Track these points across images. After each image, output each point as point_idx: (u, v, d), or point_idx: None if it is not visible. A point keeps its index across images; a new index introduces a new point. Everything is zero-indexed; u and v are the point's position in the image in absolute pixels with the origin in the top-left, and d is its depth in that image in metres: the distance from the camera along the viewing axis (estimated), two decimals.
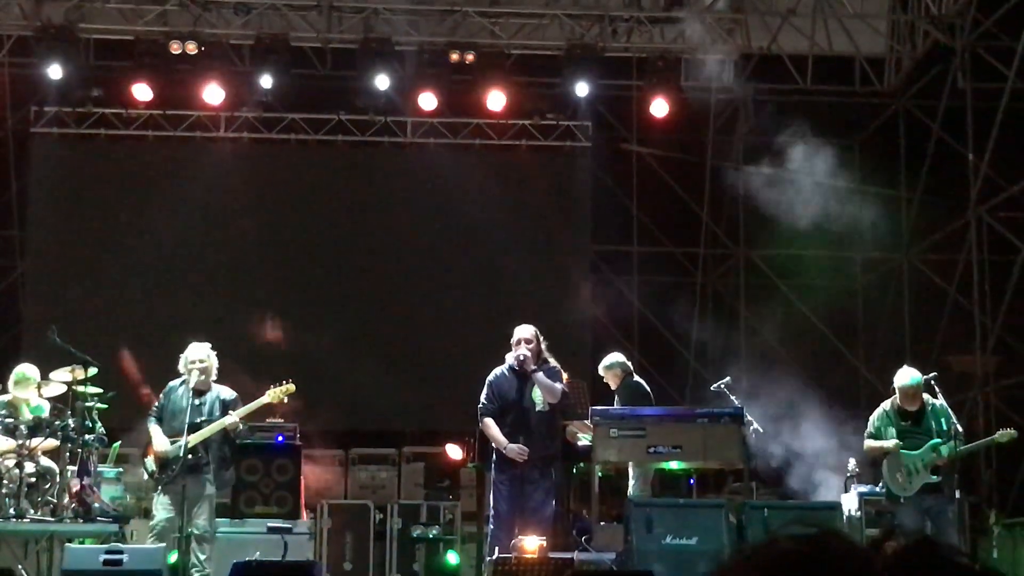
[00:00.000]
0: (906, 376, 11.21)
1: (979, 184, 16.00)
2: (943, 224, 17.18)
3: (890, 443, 11.02)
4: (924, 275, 17.61)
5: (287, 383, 10.98)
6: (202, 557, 10.53)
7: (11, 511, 10.97)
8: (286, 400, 11.12)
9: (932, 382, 11.35)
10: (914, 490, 10.93)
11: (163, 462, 10.63)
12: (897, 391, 11.20)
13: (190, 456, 10.57)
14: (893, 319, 18.09)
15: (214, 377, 10.93)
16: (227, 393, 10.86)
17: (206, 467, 10.67)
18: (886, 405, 11.30)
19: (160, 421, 10.84)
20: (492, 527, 10.82)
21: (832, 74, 18.01)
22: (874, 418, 11.32)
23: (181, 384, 10.89)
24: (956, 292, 16.64)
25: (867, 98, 18.24)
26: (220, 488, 11.01)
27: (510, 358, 10.83)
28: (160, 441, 10.65)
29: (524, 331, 10.98)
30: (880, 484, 11.61)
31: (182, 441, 10.57)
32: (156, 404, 11.09)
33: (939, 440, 10.97)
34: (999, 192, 15.93)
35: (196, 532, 10.58)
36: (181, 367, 10.91)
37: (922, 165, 17.38)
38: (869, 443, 11.30)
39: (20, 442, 11.03)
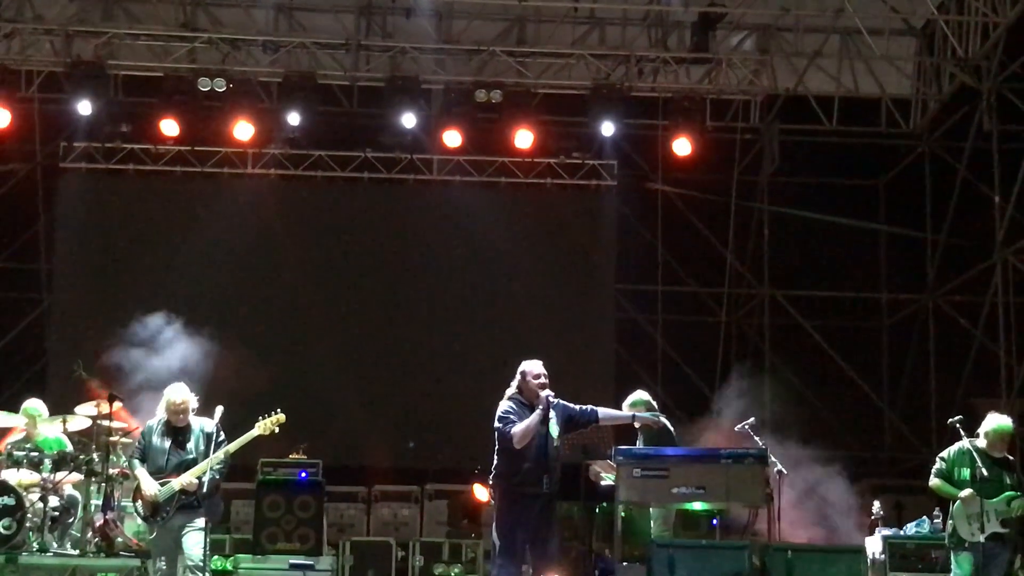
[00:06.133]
0: (1000, 421, 10.96)
1: (1005, 226, 15.97)
2: (968, 266, 17.13)
3: (964, 492, 10.81)
4: (949, 317, 17.55)
5: (276, 413, 10.62)
6: None
7: (35, 545, 11.01)
8: (276, 431, 10.67)
9: (958, 425, 11.21)
10: (983, 537, 10.74)
11: (154, 506, 10.39)
12: (989, 434, 10.90)
13: (183, 496, 10.46)
14: (918, 361, 18.02)
15: (192, 413, 10.59)
16: (209, 425, 10.46)
17: (197, 503, 10.37)
18: (965, 444, 10.94)
19: (143, 461, 10.54)
20: (501, 559, 10.50)
21: (858, 115, 18.02)
22: (949, 456, 11.02)
23: (159, 423, 10.67)
24: (981, 334, 16.58)
25: (893, 139, 18.24)
26: (211, 518, 10.47)
27: (542, 395, 10.55)
28: (149, 485, 10.32)
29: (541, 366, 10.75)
30: (942, 525, 11.38)
31: (172, 483, 10.43)
32: (138, 444, 10.71)
33: (1014, 493, 10.83)
34: None
35: (190, 563, 10.21)
36: (160, 410, 10.54)
37: (947, 207, 17.36)
38: (939, 483, 11.00)
39: (44, 476, 11.07)
